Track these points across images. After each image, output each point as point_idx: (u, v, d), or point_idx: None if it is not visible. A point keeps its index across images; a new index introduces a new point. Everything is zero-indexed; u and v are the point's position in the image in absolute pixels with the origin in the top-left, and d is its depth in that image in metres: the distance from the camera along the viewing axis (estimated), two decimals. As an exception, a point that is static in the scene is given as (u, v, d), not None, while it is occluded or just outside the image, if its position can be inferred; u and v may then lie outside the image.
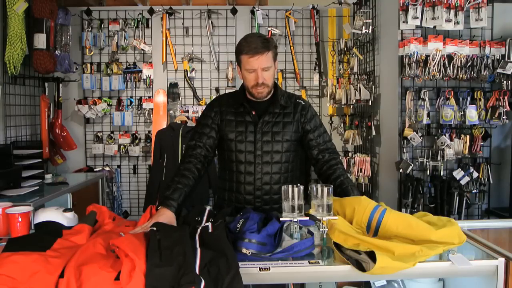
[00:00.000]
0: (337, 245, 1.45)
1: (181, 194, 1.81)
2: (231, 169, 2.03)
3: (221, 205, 2.08)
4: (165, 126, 4.01)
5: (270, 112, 2.00)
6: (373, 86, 3.50)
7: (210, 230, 1.53)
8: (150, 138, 4.16)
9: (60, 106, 3.97)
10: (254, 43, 1.87)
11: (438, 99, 2.95)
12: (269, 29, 4.14)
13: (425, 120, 2.89)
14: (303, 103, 2.07)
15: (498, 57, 2.90)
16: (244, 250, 1.44)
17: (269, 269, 1.37)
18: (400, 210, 2.92)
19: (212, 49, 4.15)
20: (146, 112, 4.17)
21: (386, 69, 3.27)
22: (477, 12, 2.86)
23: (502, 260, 1.44)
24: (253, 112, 1.99)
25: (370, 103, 3.49)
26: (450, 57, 2.87)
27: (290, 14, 4.12)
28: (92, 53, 4.09)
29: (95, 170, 4.11)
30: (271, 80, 1.93)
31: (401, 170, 2.95)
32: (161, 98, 4.14)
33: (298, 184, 1.57)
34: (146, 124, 4.23)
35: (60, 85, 3.95)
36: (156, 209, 1.76)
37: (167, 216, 1.69)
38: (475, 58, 2.88)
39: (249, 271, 1.36)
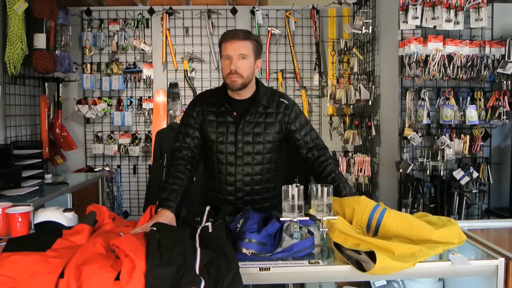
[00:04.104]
0: (337, 245, 1.45)
1: (178, 195, 1.80)
2: (213, 169, 2.01)
3: (206, 203, 2.01)
4: (165, 126, 4.01)
5: (252, 112, 1.95)
6: (373, 86, 3.50)
7: (210, 230, 1.53)
8: (150, 138, 4.16)
9: (60, 106, 3.97)
10: (235, 32, 1.91)
11: (438, 99, 2.95)
12: (269, 29, 4.14)
13: (425, 120, 2.88)
14: (287, 102, 2.01)
15: (498, 57, 2.90)
16: (244, 250, 1.44)
17: (269, 269, 1.37)
18: (400, 210, 2.91)
19: (212, 49, 4.15)
20: (146, 112, 4.16)
21: (386, 69, 3.27)
22: (477, 12, 2.86)
23: (502, 260, 1.44)
24: (235, 113, 1.95)
25: (370, 103, 3.49)
26: (450, 57, 2.87)
27: (290, 14, 4.12)
28: (92, 53, 4.09)
29: (95, 170, 4.11)
30: (246, 72, 1.88)
31: (401, 170, 2.95)
32: (161, 98, 4.14)
33: (298, 184, 1.57)
34: (146, 124, 4.23)
35: (60, 85, 3.95)
36: (155, 212, 1.76)
37: (167, 217, 1.68)
38: (475, 58, 2.88)
39: (249, 271, 1.36)
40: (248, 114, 1.95)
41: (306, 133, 2.01)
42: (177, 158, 1.94)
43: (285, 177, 2.15)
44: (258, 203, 1.99)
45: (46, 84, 3.88)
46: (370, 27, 3.47)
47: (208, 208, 1.78)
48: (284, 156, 2.11)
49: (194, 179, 2.02)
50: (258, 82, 2.03)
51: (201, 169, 2.11)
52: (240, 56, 1.86)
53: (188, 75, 4.14)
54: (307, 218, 1.52)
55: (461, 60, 2.86)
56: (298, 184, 1.56)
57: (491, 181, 3.03)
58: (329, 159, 1.99)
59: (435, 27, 2.86)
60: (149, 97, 4.18)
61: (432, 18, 2.82)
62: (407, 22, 2.86)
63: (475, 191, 3.02)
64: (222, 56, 1.90)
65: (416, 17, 2.83)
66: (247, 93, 1.98)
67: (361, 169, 3.52)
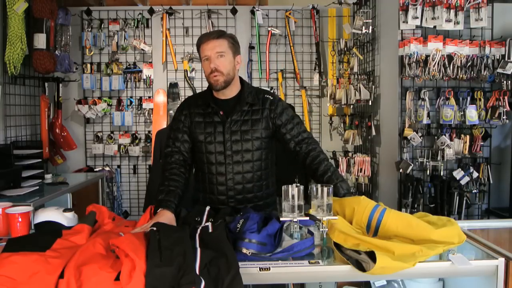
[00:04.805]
0: (337, 245, 1.45)
1: (176, 196, 1.81)
2: (203, 170, 2.01)
3: (196, 205, 2.02)
4: (165, 126, 4.01)
5: (238, 110, 1.96)
6: (373, 86, 3.49)
7: (210, 230, 1.53)
8: (150, 138, 4.16)
9: (60, 106, 3.97)
10: (208, 33, 1.97)
11: (438, 99, 2.95)
12: (269, 29, 4.13)
13: (425, 120, 2.88)
14: (272, 98, 2.02)
15: (498, 57, 2.90)
16: (244, 250, 1.43)
17: (269, 269, 1.37)
18: (400, 210, 2.91)
19: (212, 49, 4.14)
20: (146, 112, 4.17)
21: (386, 69, 3.27)
22: (477, 12, 2.86)
23: (502, 260, 1.44)
24: (221, 112, 1.96)
25: (370, 103, 3.49)
26: (450, 57, 2.87)
27: (290, 14, 4.12)
28: (92, 53, 4.09)
29: (95, 170, 4.11)
30: (226, 68, 1.90)
31: (401, 170, 2.95)
32: (161, 98, 4.14)
33: (298, 184, 1.56)
34: (146, 124, 4.23)
35: (60, 85, 3.96)
36: (154, 213, 1.76)
37: (167, 217, 1.69)
38: (475, 58, 2.88)
39: (249, 271, 1.36)
40: (234, 112, 1.96)
41: (292, 127, 2.00)
42: (170, 163, 1.95)
43: (285, 177, 2.14)
44: (251, 201, 1.99)
45: (46, 84, 3.88)
46: (370, 27, 3.47)
47: (208, 208, 1.78)
48: (274, 155, 2.10)
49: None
50: (242, 81, 2.05)
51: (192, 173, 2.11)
52: (217, 54, 1.88)
53: (188, 75, 4.14)
54: (307, 218, 1.52)
55: (461, 60, 2.86)
56: (298, 184, 1.56)
57: (491, 181, 3.03)
58: (320, 154, 1.96)
59: (435, 27, 2.86)
60: (149, 97, 4.18)
61: (432, 18, 2.82)
62: (407, 22, 2.86)
63: (475, 191, 3.02)
64: (202, 58, 1.93)
65: (416, 17, 2.83)
66: (232, 92, 1.99)
67: (361, 169, 3.51)
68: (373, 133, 3.47)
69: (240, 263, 1.32)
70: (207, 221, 1.67)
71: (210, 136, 1.96)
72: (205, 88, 2.06)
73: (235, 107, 1.97)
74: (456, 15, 2.81)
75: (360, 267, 1.36)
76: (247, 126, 1.97)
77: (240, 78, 2.04)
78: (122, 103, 4.16)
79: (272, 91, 2.57)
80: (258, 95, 2.02)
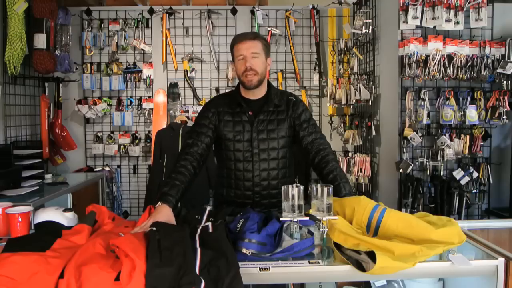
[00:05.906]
0: (337, 245, 1.45)
1: (178, 191, 1.84)
2: (230, 167, 2.09)
3: (220, 200, 2.15)
4: (165, 126, 4.01)
5: (265, 110, 2.07)
6: (373, 86, 3.49)
7: (210, 230, 1.53)
8: (150, 138, 4.16)
9: (60, 106, 3.97)
10: (245, 34, 2.07)
11: (438, 99, 2.95)
12: (269, 29, 4.13)
13: (425, 120, 2.89)
14: (294, 100, 2.14)
15: (498, 57, 2.90)
16: (244, 250, 1.44)
17: (269, 269, 1.37)
18: (400, 210, 2.91)
19: (212, 49, 4.15)
20: (146, 112, 4.17)
21: (386, 69, 3.27)
22: (477, 12, 2.86)
23: (502, 260, 1.44)
24: (250, 112, 2.06)
25: (370, 103, 3.49)
26: (450, 57, 2.87)
27: (290, 14, 4.12)
28: (92, 53, 4.09)
29: (95, 170, 4.11)
30: (260, 68, 2.00)
31: (401, 170, 2.95)
32: (161, 98, 4.14)
33: (298, 184, 1.57)
34: (146, 124, 4.23)
35: (60, 85, 3.96)
36: (154, 207, 1.76)
37: (165, 214, 1.70)
38: (475, 58, 2.88)
39: (249, 271, 1.36)
40: (262, 113, 2.06)
41: (307, 127, 2.09)
42: (186, 154, 2.00)
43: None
44: (275, 197, 2.07)
45: (46, 84, 3.88)
46: (370, 27, 3.47)
47: (208, 208, 1.79)
48: (293, 155, 2.17)
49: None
50: (269, 83, 2.14)
51: (213, 171, 2.15)
52: (252, 54, 1.98)
53: (188, 75, 4.14)
54: (307, 218, 1.52)
55: (461, 60, 2.86)
56: (298, 184, 1.57)
57: (491, 181, 3.03)
58: (329, 155, 2.04)
59: (435, 27, 2.86)
60: (149, 97, 4.18)
61: (432, 18, 2.82)
62: (407, 22, 2.86)
63: (475, 191, 3.03)
64: (236, 57, 2.02)
65: (416, 17, 2.83)
66: (261, 93, 2.09)
67: (361, 169, 3.52)
68: (373, 133, 3.47)
69: (240, 263, 1.32)
70: (207, 221, 1.67)
71: (239, 134, 2.05)
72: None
73: (263, 107, 2.06)
74: (456, 15, 2.81)
75: (360, 267, 1.36)
76: (273, 125, 2.07)
77: (267, 81, 2.13)
78: (122, 103, 4.16)
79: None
80: (283, 97, 2.13)
